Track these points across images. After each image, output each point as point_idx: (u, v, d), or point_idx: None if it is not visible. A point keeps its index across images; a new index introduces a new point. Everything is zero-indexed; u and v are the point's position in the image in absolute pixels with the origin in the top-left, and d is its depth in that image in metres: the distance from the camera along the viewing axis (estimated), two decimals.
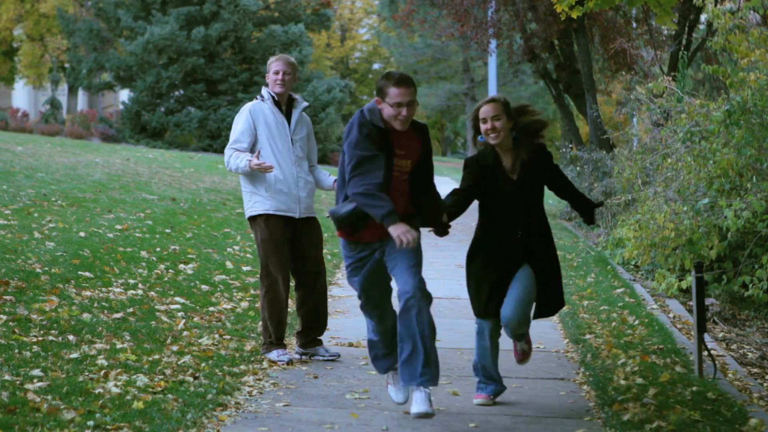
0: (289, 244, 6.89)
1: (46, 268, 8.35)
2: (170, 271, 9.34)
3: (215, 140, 32.86)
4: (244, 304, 8.53)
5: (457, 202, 5.67)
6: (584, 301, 9.50)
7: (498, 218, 5.73)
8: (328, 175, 7.09)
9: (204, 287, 8.94)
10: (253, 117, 6.88)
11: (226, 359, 6.57)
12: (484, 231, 5.79)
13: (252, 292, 9.07)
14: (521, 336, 5.95)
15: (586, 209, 5.92)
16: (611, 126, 25.45)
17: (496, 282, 5.72)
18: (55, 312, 7.07)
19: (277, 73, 6.89)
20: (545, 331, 8.12)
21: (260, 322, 7.38)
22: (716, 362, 6.78)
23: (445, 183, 23.60)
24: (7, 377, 5.44)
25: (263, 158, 6.82)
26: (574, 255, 12.79)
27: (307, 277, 6.98)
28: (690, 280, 9.27)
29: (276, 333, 6.85)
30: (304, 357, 7.00)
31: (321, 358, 6.97)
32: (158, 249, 10.25)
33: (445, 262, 12.00)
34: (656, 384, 6.25)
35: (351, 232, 5.39)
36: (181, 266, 9.63)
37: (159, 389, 5.61)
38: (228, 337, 7.25)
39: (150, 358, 6.27)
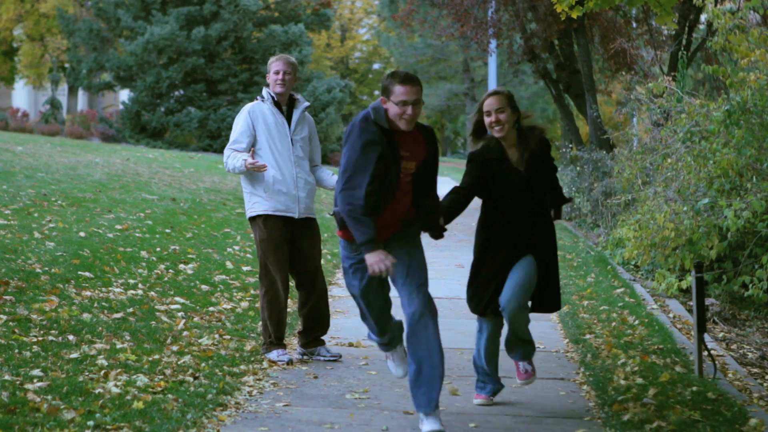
0: (288, 244, 6.89)
1: (46, 268, 8.36)
2: (170, 271, 9.35)
3: (215, 140, 32.86)
4: (244, 304, 8.53)
5: (456, 201, 5.62)
6: (584, 301, 9.50)
7: (505, 212, 5.65)
8: (331, 175, 7.08)
9: (204, 287, 8.94)
10: (252, 117, 6.88)
11: (226, 359, 6.57)
12: (490, 227, 5.70)
13: (252, 292, 9.07)
14: (523, 344, 5.87)
15: (555, 203, 5.89)
16: (611, 126, 25.45)
17: (500, 280, 5.67)
18: (55, 312, 7.07)
19: (277, 73, 6.89)
20: (545, 331, 8.12)
21: (260, 322, 7.38)
22: (716, 362, 6.78)
23: (446, 183, 23.61)
24: (7, 377, 5.44)
25: (261, 158, 6.83)
26: (574, 255, 12.79)
27: (306, 278, 6.99)
28: (690, 280, 9.27)
29: (276, 333, 6.85)
30: (305, 357, 7.00)
31: (322, 358, 6.97)
32: (158, 249, 10.25)
33: (445, 262, 12.00)
34: (656, 384, 6.25)
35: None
36: (181, 266, 9.63)
37: (159, 389, 5.61)
38: (228, 337, 7.25)
39: (150, 358, 6.27)
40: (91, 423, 4.85)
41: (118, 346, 6.47)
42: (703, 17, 16.78)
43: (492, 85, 26.12)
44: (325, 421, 5.41)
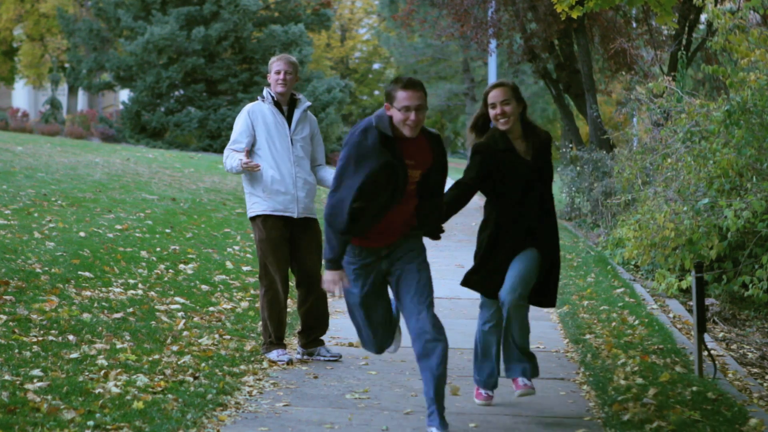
0: (288, 244, 6.89)
1: (46, 268, 8.36)
2: (170, 271, 9.35)
3: (215, 140, 32.86)
4: (244, 304, 8.53)
5: (458, 197, 5.51)
6: (584, 301, 9.51)
7: (512, 204, 5.56)
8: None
9: (204, 287, 8.94)
10: (251, 118, 6.89)
11: (226, 359, 6.57)
12: (496, 219, 5.60)
13: (252, 292, 9.07)
14: (522, 358, 5.73)
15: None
16: (611, 126, 25.46)
17: (506, 264, 5.59)
18: (55, 312, 7.07)
19: (278, 72, 6.89)
20: (545, 331, 8.12)
21: (260, 322, 7.39)
22: (716, 362, 6.78)
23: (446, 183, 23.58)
24: (7, 377, 5.44)
25: (260, 158, 6.85)
26: (574, 255, 12.79)
27: (305, 277, 6.99)
28: (690, 280, 9.27)
29: (276, 333, 6.86)
30: (305, 357, 7.00)
31: (322, 358, 6.97)
32: (158, 249, 10.25)
33: (445, 262, 12.00)
34: (656, 384, 6.25)
35: (355, 233, 5.18)
36: (181, 266, 9.63)
37: (159, 389, 5.61)
38: (228, 337, 7.25)
39: (150, 358, 6.27)
40: (91, 423, 4.85)
41: (118, 346, 6.47)
42: (703, 17, 16.79)
43: None
44: (325, 421, 5.41)
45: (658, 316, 8.72)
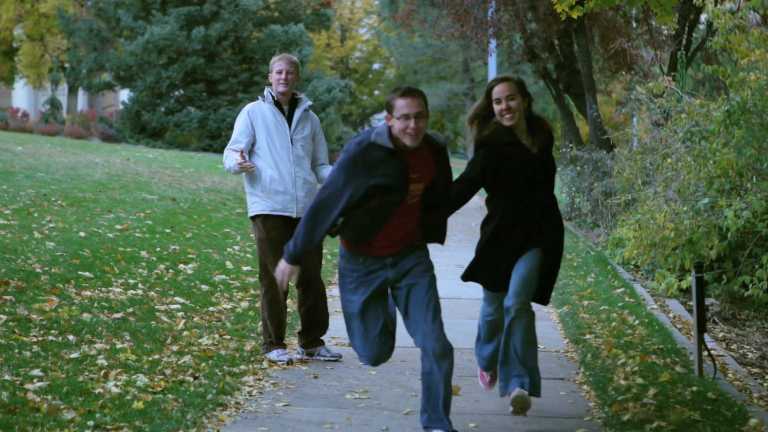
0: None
1: (46, 268, 8.35)
2: (170, 271, 9.35)
3: (215, 140, 32.86)
4: (244, 304, 8.53)
5: (461, 193, 5.33)
6: (584, 301, 9.50)
7: (518, 198, 5.42)
8: None
9: (204, 287, 8.94)
10: (251, 118, 6.90)
11: (226, 359, 6.57)
12: (502, 213, 5.46)
13: (252, 292, 9.07)
14: (524, 371, 5.46)
15: None
16: (611, 126, 25.45)
17: (511, 259, 5.47)
18: (55, 312, 7.07)
19: (280, 72, 6.89)
20: (545, 331, 8.12)
21: (260, 322, 7.39)
22: (716, 362, 6.78)
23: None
24: (7, 377, 5.44)
25: (260, 158, 6.86)
26: (574, 255, 12.79)
27: (305, 278, 6.99)
28: (690, 280, 9.27)
29: (276, 332, 6.86)
30: (305, 357, 7.00)
31: (322, 358, 6.97)
32: (158, 249, 10.25)
33: (445, 262, 12.00)
34: (656, 384, 6.25)
35: (357, 241, 5.06)
36: (181, 266, 9.63)
37: (159, 389, 5.61)
38: (228, 337, 7.25)
39: (150, 358, 6.27)
40: (91, 423, 4.86)
41: (118, 346, 6.47)
42: (703, 17, 16.78)
43: None
44: (325, 421, 5.41)
45: (658, 316, 8.72)
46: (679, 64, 15.02)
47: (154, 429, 4.92)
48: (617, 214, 14.33)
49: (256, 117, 6.90)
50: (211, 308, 8.20)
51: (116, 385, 5.52)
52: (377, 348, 5.17)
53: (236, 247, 11.35)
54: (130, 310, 7.58)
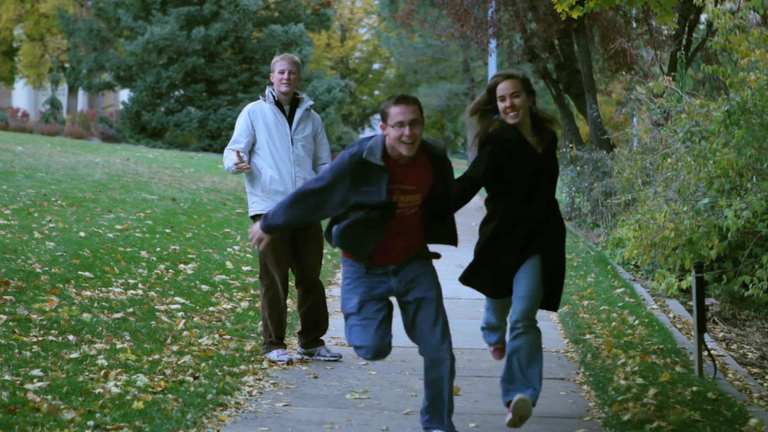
0: (288, 243, 6.90)
1: (46, 268, 8.35)
2: (170, 271, 9.35)
3: (215, 140, 32.86)
4: (244, 304, 8.53)
5: (463, 192, 5.20)
6: (584, 301, 9.50)
7: (519, 199, 5.28)
8: None
9: (204, 287, 8.94)
10: (251, 118, 6.91)
11: (226, 359, 6.57)
12: (502, 214, 5.32)
13: (252, 292, 9.07)
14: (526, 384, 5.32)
15: None
16: (611, 126, 25.45)
17: (512, 264, 5.33)
18: (55, 312, 7.07)
19: (282, 72, 6.90)
20: (545, 331, 8.09)
21: (260, 322, 7.39)
22: (716, 362, 6.78)
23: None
24: (7, 377, 5.44)
25: (260, 158, 6.87)
26: (574, 255, 12.79)
27: (305, 277, 7.00)
28: (690, 280, 9.27)
29: (276, 332, 6.86)
30: (305, 357, 7.00)
31: (322, 358, 6.97)
32: (158, 249, 10.25)
33: (445, 262, 11.94)
34: (656, 384, 6.25)
35: (356, 252, 5.00)
36: (181, 266, 9.63)
37: (159, 389, 5.61)
38: (228, 337, 7.25)
39: (150, 358, 6.27)
40: (91, 423, 4.86)
41: (118, 346, 6.47)
42: (703, 17, 16.78)
43: None
44: (325, 421, 5.41)
45: (658, 316, 8.72)
46: (678, 64, 15.02)
47: (154, 429, 4.92)
48: (617, 214, 14.33)
49: (256, 117, 6.90)
50: (211, 308, 8.20)
51: (116, 385, 5.52)
52: (378, 338, 5.02)
53: (236, 247, 11.35)
54: (130, 310, 7.58)
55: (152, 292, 8.35)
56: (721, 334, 8.47)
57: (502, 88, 5.22)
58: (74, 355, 6.08)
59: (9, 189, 12.83)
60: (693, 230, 9.27)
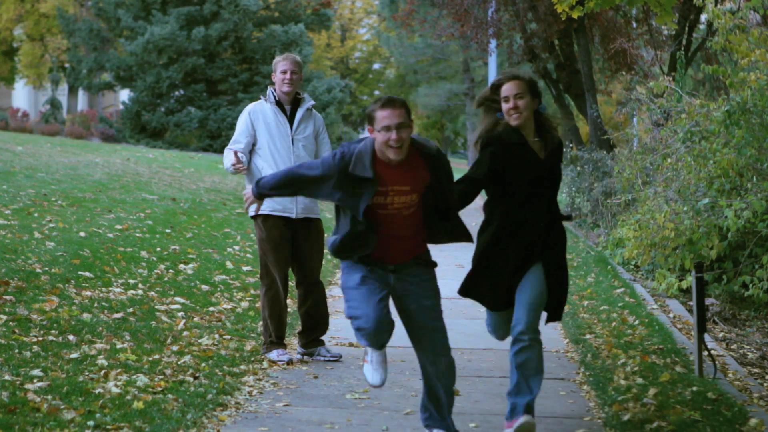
0: (288, 243, 6.90)
1: (46, 268, 8.35)
2: (170, 271, 9.35)
3: (215, 140, 32.86)
4: (244, 304, 8.53)
5: (464, 193, 5.09)
6: (584, 301, 9.50)
7: (518, 205, 5.16)
8: None
9: (204, 287, 8.94)
10: (252, 118, 6.91)
11: (226, 359, 6.57)
12: (499, 221, 5.19)
13: (252, 292, 9.07)
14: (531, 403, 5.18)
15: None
16: (611, 126, 25.44)
17: (512, 275, 5.20)
18: (55, 312, 7.07)
19: (284, 72, 6.90)
20: (545, 331, 8.09)
21: (260, 322, 7.39)
22: (716, 362, 6.78)
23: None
24: (7, 377, 5.44)
25: (261, 158, 6.87)
26: (574, 255, 12.79)
27: (305, 277, 7.00)
28: (690, 280, 9.27)
29: (276, 332, 6.86)
30: (305, 357, 7.00)
31: (322, 358, 6.97)
32: (158, 249, 10.25)
33: (445, 262, 11.97)
34: (656, 384, 6.25)
35: (355, 252, 4.93)
36: (181, 266, 9.63)
37: (159, 389, 5.61)
38: (228, 337, 7.25)
39: (150, 358, 6.27)
40: (91, 423, 4.86)
41: (118, 346, 6.47)
42: (703, 17, 16.79)
43: None
44: (325, 421, 5.41)
45: (658, 316, 8.72)
46: (678, 64, 15.02)
47: (154, 429, 4.92)
48: (617, 214, 14.33)
49: (257, 117, 6.91)
50: (211, 308, 8.20)
51: (116, 385, 5.52)
52: (379, 309, 4.83)
53: (236, 247, 11.35)
54: (130, 310, 7.58)
55: (152, 292, 8.35)
56: (721, 334, 8.48)
57: (507, 88, 5.13)
58: (74, 355, 6.08)
59: (9, 189, 12.83)
60: (693, 230, 9.27)
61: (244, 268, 10.12)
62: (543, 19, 18.48)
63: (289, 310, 7.58)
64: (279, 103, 6.93)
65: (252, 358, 6.74)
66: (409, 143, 4.81)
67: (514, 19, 19.27)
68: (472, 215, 5.75)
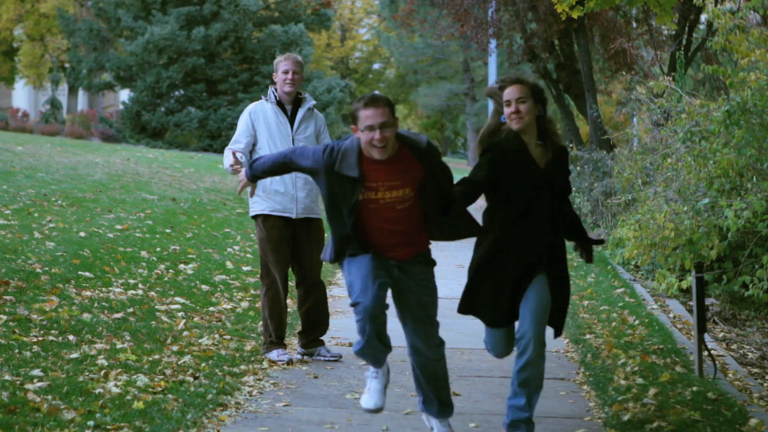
0: (288, 243, 6.90)
1: (46, 268, 8.35)
2: (170, 271, 9.35)
3: (215, 140, 32.85)
4: (244, 304, 8.53)
5: (464, 194, 5.00)
6: (584, 301, 9.50)
7: (516, 215, 5.04)
8: None
9: (204, 287, 8.94)
10: (252, 118, 6.91)
11: (226, 359, 6.57)
12: (498, 232, 5.08)
13: (252, 292, 9.07)
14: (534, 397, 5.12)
15: (581, 243, 5.30)
16: (611, 126, 25.45)
17: (513, 289, 5.08)
18: (55, 312, 7.07)
19: (286, 72, 6.89)
20: (546, 331, 8.12)
21: (260, 322, 7.39)
22: (716, 362, 6.78)
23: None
24: (7, 377, 5.44)
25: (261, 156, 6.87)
26: (574, 255, 12.78)
27: (305, 278, 7.00)
28: (690, 280, 9.27)
29: (276, 332, 6.86)
30: (305, 357, 7.00)
31: (322, 358, 6.97)
32: (158, 249, 10.25)
33: (445, 262, 11.97)
34: (656, 384, 6.25)
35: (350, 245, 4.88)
36: (181, 266, 9.63)
37: (159, 389, 5.61)
38: (228, 337, 7.25)
39: (150, 358, 6.27)
40: (91, 423, 4.86)
41: (118, 346, 6.47)
42: (703, 17, 16.78)
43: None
44: (325, 421, 5.41)
45: (658, 316, 8.72)
46: (678, 64, 15.02)
47: (154, 429, 4.92)
48: (617, 214, 14.33)
49: (257, 117, 6.91)
50: (211, 308, 8.20)
51: (116, 385, 5.52)
52: (377, 289, 4.72)
53: (236, 247, 11.35)
54: (131, 310, 7.58)
55: (152, 292, 8.35)
56: (721, 334, 8.48)
57: (509, 92, 5.03)
58: (74, 355, 6.08)
59: (9, 189, 12.83)
60: (693, 230, 9.27)
61: (244, 268, 10.12)
62: (543, 19, 18.48)
63: (289, 310, 7.58)
64: (280, 103, 6.93)
65: (252, 358, 6.74)
66: (395, 140, 4.76)
67: (514, 19, 19.27)
68: (473, 215, 5.71)
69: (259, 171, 5.19)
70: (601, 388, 6.25)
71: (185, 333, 7.16)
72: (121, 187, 15.33)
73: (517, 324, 5.13)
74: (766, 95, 8.70)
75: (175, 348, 6.64)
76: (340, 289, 9.78)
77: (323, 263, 7.19)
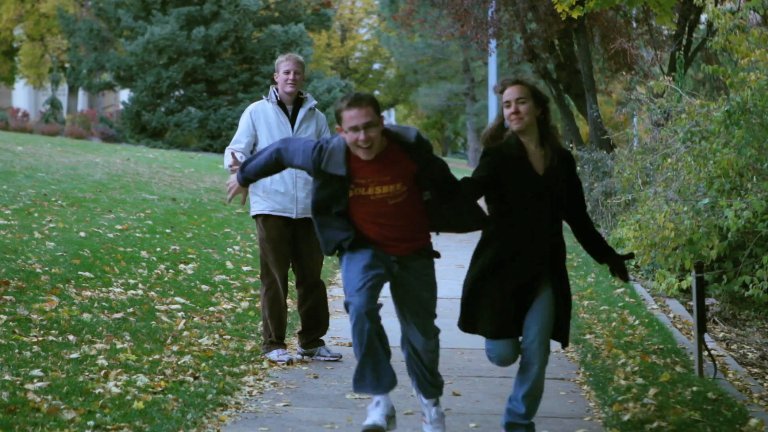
0: (288, 243, 6.90)
1: (46, 268, 8.35)
2: (170, 271, 9.35)
3: (215, 140, 32.85)
4: (244, 304, 8.53)
5: (467, 192, 4.94)
6: (584, 301, 9.51)
7: (521, 222, 4.97)
8: None
9: (204, 287, 8.94)
10: (253, 118, 6.92)
11: (226, 359, 6.57)
12: (498, 242, 5.01)
13: (252, 292, 9.07)
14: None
15: (610, 260, 5.19)
16: (611, 126, 25.45)
17: (516, 300, 4.99)
18: (55, 312, 7.07)
19: (288, 72, 6.90)
20: None
21: (260, 322, 7.39)
22: (716, 362, 6.78)
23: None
24: (7, 377, 5.44)
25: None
26: (574, 255, 12.79)
27: (305, 278, 7.00)
28: (690, 280, 9.27)
29: (276, 332, 6.87)
30: (305, 357, 7.01)
31: (322, 358, 6.97)
32: (158, 249, 10.25)
33: (445, 262, 11.94)
34: (656, 384, 6.25)
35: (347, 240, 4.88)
36: (182, 266, 9.63)
37: (159, 389, 5.61)
38: (228, 337, 7.25)
39: (150, 358, 6.27)
40: (91, 423, 4.86)
41: (118, 346, 6.47)
42: (703, 17, 16.79)
43: (492, 85, 26.08)
44: (325, 421, 5.41)
45: (658, 316, 8.72)
46: (678, 64, 15.02)
47: (154, 429, 4.92)
48: (617, 214, 14.33)
49: (258, 117, 6.91)
50: (211, 308, 8.20)
51: (116, 385, 5.52)
52: (369, 288, 4.70)
53: (236, 247, 11.35)
54: (131, 310, 7.58)
55: (152, 292, 8.35)
56: (721, 334, 8.48)
57: (508, 93, 4.95)
58: (74, 355, 6.08)
59: (9, 189, 12.83)
60: (693, 230, 9.27)
61: (244, 268, 10.12)
62: (543, 19, 18.48)
63: (289, 310, 7.58)
64: (281, 103, 6.94)
65: (252, 358, 6.74)
66: (382, 136, 4.73)
67: (514, 19, 19.27)
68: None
69: (251, 174, 5.20)
70: (601, 388, 6.25)
71: (185, 333, 7.16)
72: (121, 187, 15.34)
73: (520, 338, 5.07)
74: (766, 95, 8.70)
75: (175, 348, 6.64)
76: (340, 289, 9.77)
77: (323, 263, 7.19)
